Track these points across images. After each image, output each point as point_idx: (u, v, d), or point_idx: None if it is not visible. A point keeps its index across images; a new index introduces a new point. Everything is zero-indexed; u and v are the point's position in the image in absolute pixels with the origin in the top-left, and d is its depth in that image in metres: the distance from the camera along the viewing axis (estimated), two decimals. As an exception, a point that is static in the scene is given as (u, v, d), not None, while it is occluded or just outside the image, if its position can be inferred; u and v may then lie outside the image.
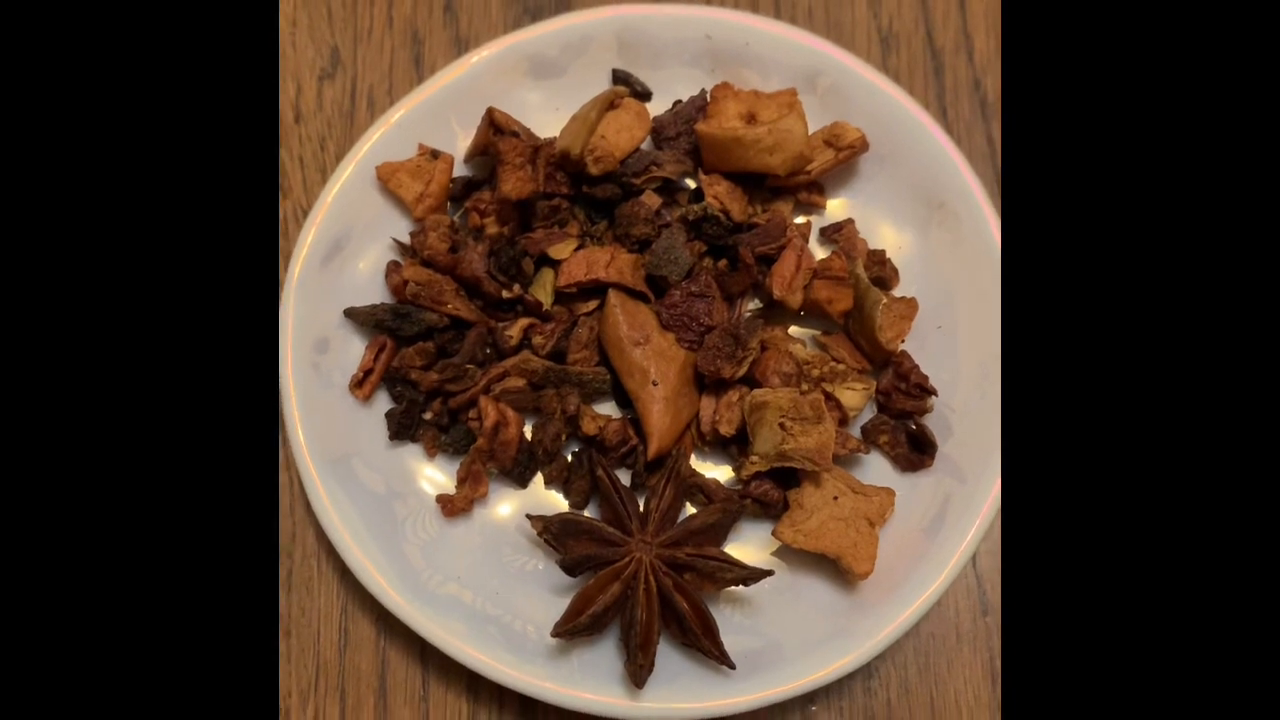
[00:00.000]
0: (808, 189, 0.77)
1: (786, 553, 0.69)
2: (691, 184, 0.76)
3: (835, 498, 0.67)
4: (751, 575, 0.65)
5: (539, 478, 0.72)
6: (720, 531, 0.68)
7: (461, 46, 0.85)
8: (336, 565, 0.72)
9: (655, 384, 0.67)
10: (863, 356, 0.72)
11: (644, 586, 0.64)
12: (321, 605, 0.72)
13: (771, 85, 0.78)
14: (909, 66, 0.85)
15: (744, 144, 0.71)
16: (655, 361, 0.68)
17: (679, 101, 0.77)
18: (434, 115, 0.77)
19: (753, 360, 0.69)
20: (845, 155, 0.75)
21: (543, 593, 0.69)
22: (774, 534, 0.67)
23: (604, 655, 0.66)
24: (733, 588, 0.66)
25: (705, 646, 0.64)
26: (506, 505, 0.71)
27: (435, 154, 0.76)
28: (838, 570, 0.68)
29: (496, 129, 0.73)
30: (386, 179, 0.75)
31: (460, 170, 0.77)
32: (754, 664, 0.65)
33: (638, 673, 0.63)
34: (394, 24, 0.86)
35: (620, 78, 0.79)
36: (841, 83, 0.77)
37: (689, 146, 0.75)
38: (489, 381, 0.70)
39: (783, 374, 0.68)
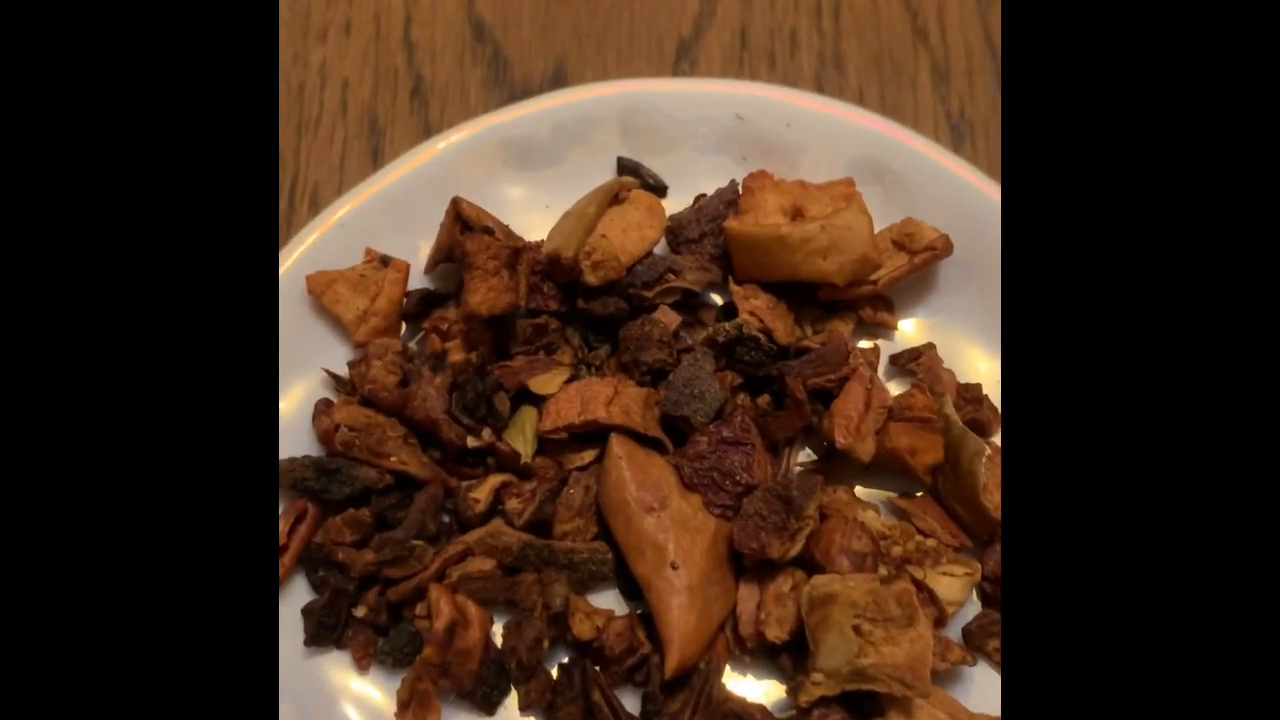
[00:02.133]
0: (873, 304, 0.70)
1: (865, 814, 0.59)
2: (719, 299, 0.71)
3: (935, 734, 0.58)
4: None
5: (511, 701, 0.63)
6: (770, 785, 0.58)
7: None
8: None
9: (675, 567, 0.61)
10: (960, 529, 0.65)
11: None
12: None
13: (819, 178, 0.71)
14: (988, 159, 0.78)
15: (789, 245, 0.65)
16: (675, 535, 0.61)
17: (702, 195, 0.72)
18: (388, 214, 0.71)
19: (810, 533, 0.62)
20: (923, 260, 0.68)
21: None
22: (847, 787, 0.57)
23: None
24: None
25: None
26: (464, 742, 0.63)
27: (385, 261, 0.70)
28: (941, 841, 0.58)
29: (463, 224, 0.67)
30: (320, 293, 0.68)
31: (420, 283, 0.71)
32: None
33: None
34: (349, 110, 0.80)
35: (628, 167, 0.74)
36: (912, 172, 0.71)
37: (716, 250, 0.70)
38: (444, 564, 0.64)
39: (853, 554, 0.61)
